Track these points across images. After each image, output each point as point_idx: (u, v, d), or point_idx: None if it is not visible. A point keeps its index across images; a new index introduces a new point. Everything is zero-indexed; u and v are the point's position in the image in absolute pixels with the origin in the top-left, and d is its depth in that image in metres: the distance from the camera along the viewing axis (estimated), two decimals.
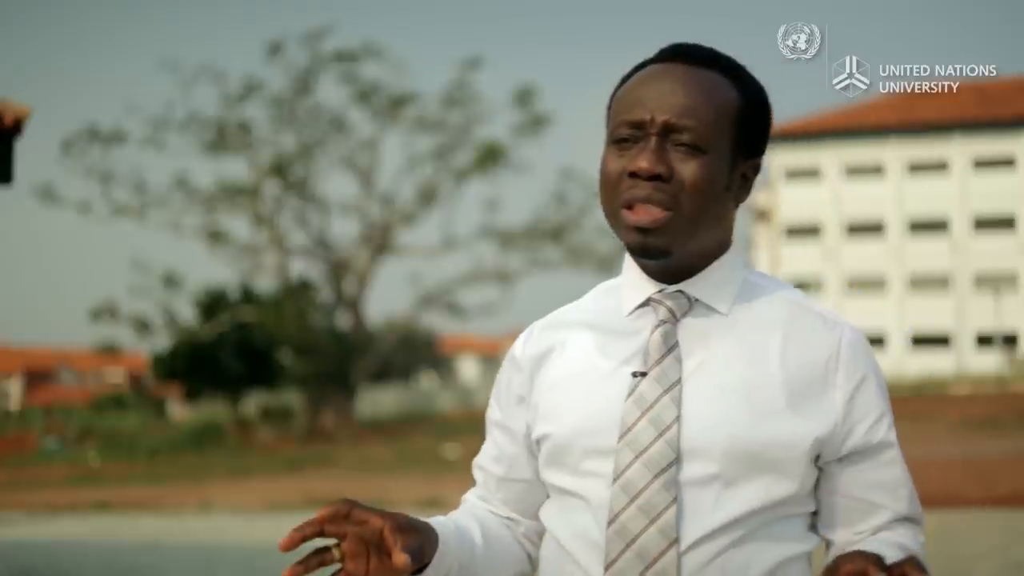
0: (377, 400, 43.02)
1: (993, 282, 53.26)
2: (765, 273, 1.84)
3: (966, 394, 39.06)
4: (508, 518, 1.87)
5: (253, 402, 41.19)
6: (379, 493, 18.19)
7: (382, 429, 35.79)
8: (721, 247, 1.77)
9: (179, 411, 45.79)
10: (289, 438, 35.03)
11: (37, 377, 67.26)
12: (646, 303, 1.77)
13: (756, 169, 1.78)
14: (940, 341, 53.79)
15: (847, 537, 1.74)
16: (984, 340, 52.88)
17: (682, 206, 1.68)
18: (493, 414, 1.89)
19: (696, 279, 1.75)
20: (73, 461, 30.78)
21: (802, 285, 54.98)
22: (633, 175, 1.69)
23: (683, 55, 1.75)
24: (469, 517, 1.83)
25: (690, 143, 1.68)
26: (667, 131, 1.69)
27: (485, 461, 1.89)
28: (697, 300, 1.75)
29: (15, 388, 66.30)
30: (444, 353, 64.40)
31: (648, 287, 1.77)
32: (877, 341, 54.17)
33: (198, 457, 30.40)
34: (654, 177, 1.67)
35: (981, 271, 53.72)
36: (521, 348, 1.86)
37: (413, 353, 55.42)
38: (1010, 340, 51.89)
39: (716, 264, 1.76)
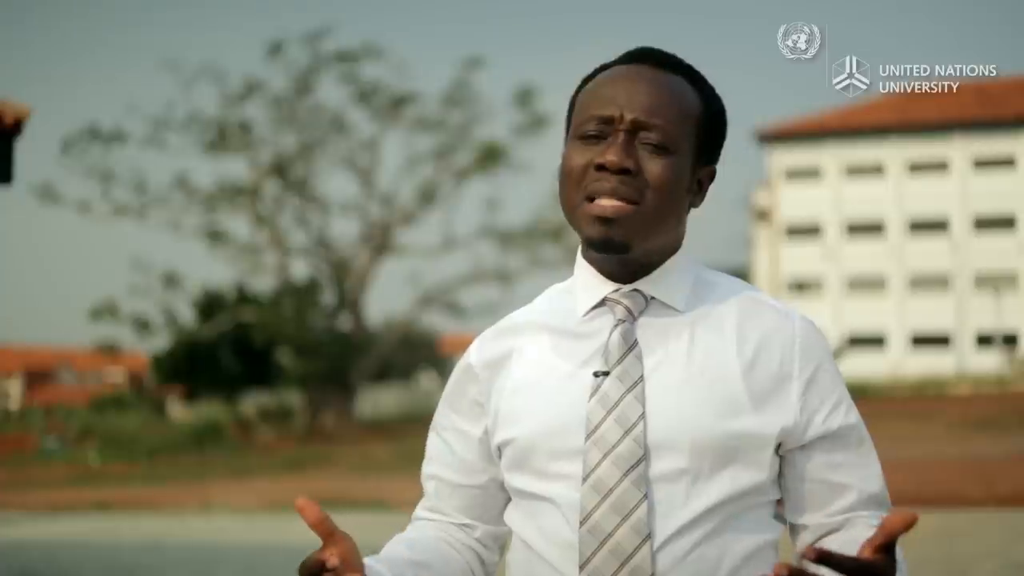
0: (377, 400, 42.97)
1: (993, 282, 53.23)
2: (716, 270, 1.86)
3: (966, 394, 39.04)
4: (464, 524, 1.86)
5: (252, 402, 41.17)
6: (379, 493, 18.19)
7: (382, 429, 35.75)
8: (674, 247, 1.79)
9: (179, 411, 45.74)
10: (289, 438, 35.00)
11: (37, 377, 67.26)
12: (601, 303, 1.78)
13: (711, 176, 1.81)
14: (940, 341, 53.76)
15: (818, 520, 1.75)
16: (984, 340, 52.85)
17: (646, 202, 1.70)
18: (445, 421, 1.88)
19: (651, 277, 1.77)
20: (73, 461, 30.76)
21: (802, 285, 55.09)
22: (600, 168, 1.70)
23: (649, 58, 1.77)
24: (401, 563, 1.75)
25: (657, 142, 1.70)
26: (636, 128, 1.71)
27: (438, 469, 1.88)
28: (653, 298, 1.76)
29: (15, 388, 66.30)
30: (444, 353, 64.28)
31: (603, 287, 1.78)
32: (877, 341, 54.20)
33: (198, 457, 30.39)
34: (622, 171, 1.69)
35: (981, 271, 53.68)
36: (476, 355, 1.85)
37: (413, 353, 55.36)
38: (1010, 340, 51.85)
39: (670, 262, 1.78)
